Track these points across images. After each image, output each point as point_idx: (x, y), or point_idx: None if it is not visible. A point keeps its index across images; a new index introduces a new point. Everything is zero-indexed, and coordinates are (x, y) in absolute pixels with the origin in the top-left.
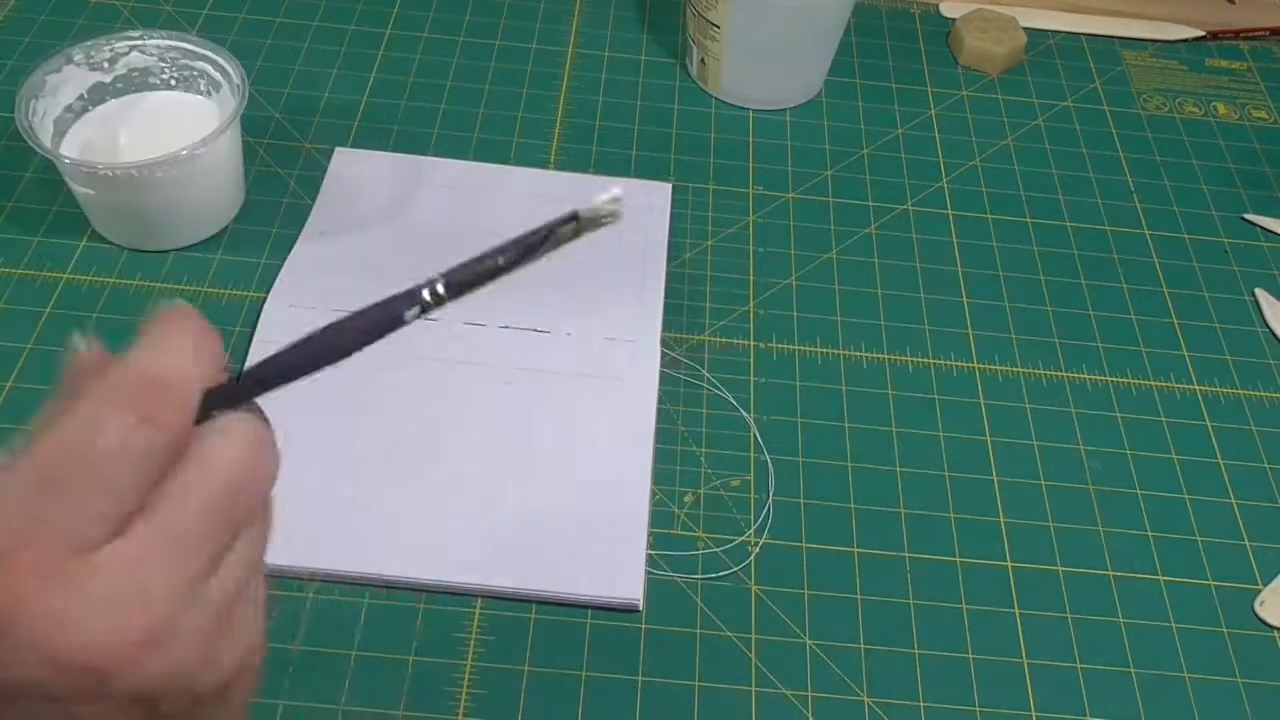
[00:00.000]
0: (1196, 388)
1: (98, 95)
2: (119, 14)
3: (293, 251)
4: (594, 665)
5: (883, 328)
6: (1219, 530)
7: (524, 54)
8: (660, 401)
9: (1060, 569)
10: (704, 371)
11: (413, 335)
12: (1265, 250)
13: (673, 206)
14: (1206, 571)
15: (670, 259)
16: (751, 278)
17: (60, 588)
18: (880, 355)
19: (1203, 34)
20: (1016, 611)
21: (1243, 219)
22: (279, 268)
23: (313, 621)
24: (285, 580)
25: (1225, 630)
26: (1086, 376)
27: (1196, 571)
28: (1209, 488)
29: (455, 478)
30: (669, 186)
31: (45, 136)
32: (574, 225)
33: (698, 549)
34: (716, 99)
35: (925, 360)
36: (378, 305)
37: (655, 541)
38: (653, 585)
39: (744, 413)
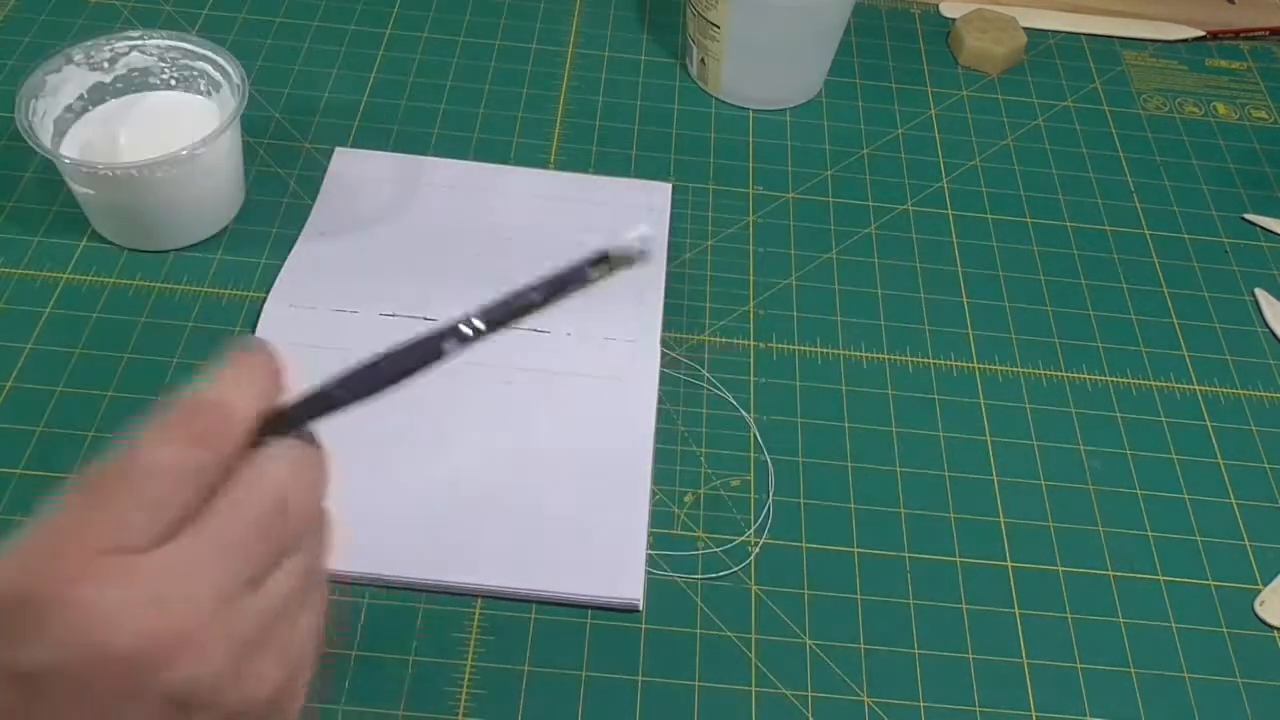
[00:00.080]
0: (1196, 388)
1: (98, 95)
2: (119, 14)
3: (293, 251)
4: (594, 665)
5: (883, 328)
6: (1219, 530)
7: (524, 54)
8: (660, 401)
9: (1060, 569)
10: (704, 371)
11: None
12: (1265, 250)
13: (673, 206)
14: (1206, 571)
15: (670, 259)
16: (751, 278)
17: (102, 583)
18: (880, 355)
19: (1203, 34)
20: (1016, 611)
21: (1243, 219)
22: (279, 268)
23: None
24: None
25: (1225, 630)
26: (1086, 376)
27: (1196, 571)
28: (1209, 488)
29: (455, 478)
30: (669, 186)
31: (45, 136)
32: (605, 265)
33: (698, 549)
34: (716, 99)
35: (925, 360)
36: (419, 340)
37: (655, 541)
38: (653, 585)
39: (744, 413)
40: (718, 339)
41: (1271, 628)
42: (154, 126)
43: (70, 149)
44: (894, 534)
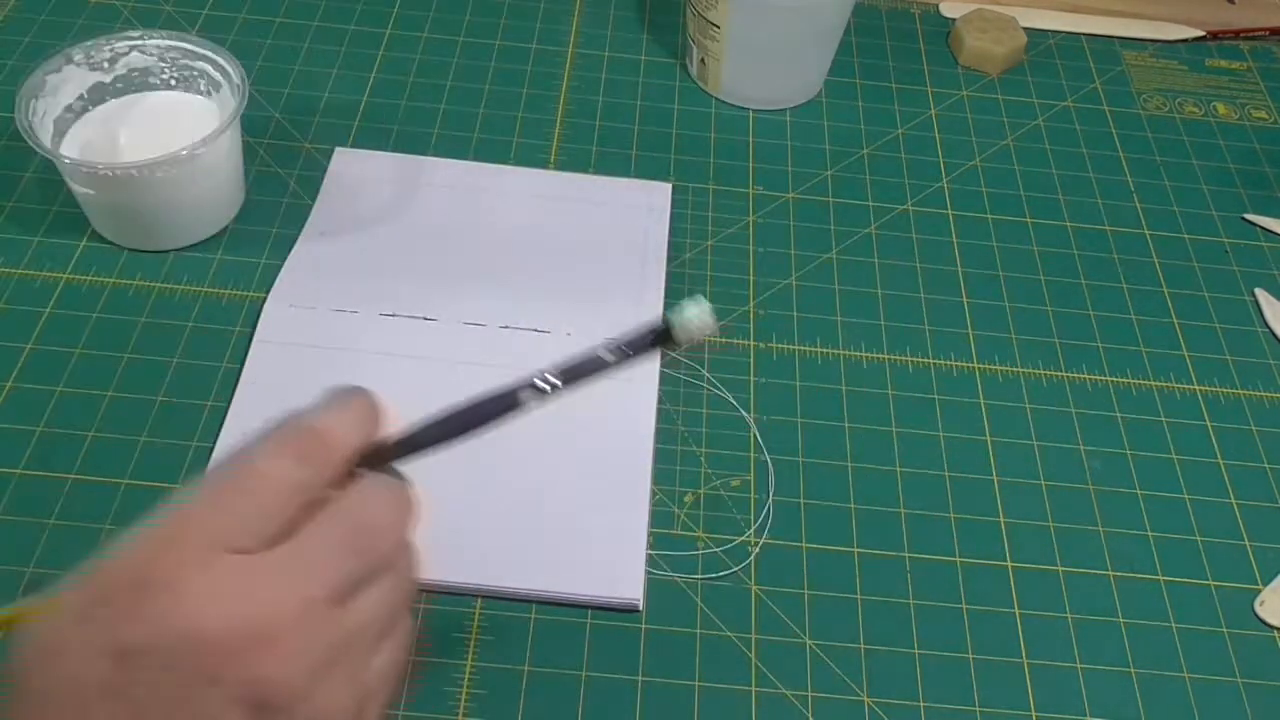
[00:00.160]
0: (1196, 388)
1: (98, 95)
2: (119, 14)
3: (293, 251)
4: (594, 665)
5: (883, 328)
6: (1219, 530)
7: (524, 54)
8: (660, 401)
9: (1060, 569)
10: (704, 371)
11: (412, 335)
12: (1265, 250)
13: (673, 206)
14: (1206, 571)
15: (670, 259)
16: (751, 278)
17: (205, 574)
18: (880, 355)
19: (1203, 34)
20: (1016, 611)
21: (1243, 219)
22: (279, 268)
23: None
24: None
25: (1225, 630)
26: (1086, 376)
27: (1196, 571)
28: (1209, 488)
29: (455, 478)
30: (669, 186)
31: (45, 136)
32: (669, 338)
33: (698, 549)
34: (716, 99)
35: (925, 360)
36: (500, 393)
37: (655, 541)
38: (653, 585)
39: (744, 413)
40: (718, 339)
41: (1271, 628)
42: (154, 126)
43: (70, 149)
44: (894, 534)
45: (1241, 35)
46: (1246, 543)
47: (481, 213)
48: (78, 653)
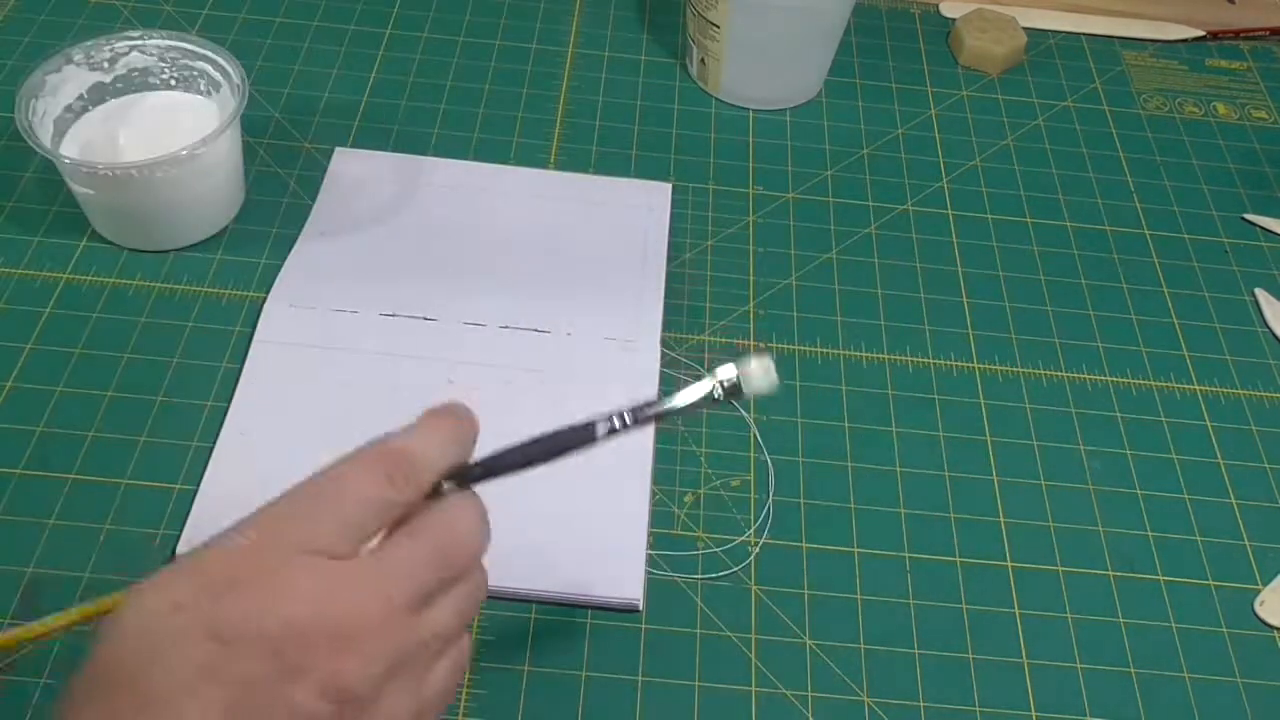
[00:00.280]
0: (1196, 388)
1: (98, 95)
2: (119, 14)
3: (293, 251)
4: (594, 665)
5: (883, 328)
6: (1219, 530)
7: (524, 54)
8: None
9: (1060, 569)
10: (704, 371)
11: (412, 335)
12: (1265, 250)
13: (673, 206)
14: (1206, 571)
15: (670, 259)
16: (751, 278)
17: (294, 573)
18: (880, 355)
19: (1203, 34)
20: (1016, 611)
21: (1243, 219)
22: (279, 268)
23: None
24: None
25: (1225, 630)
26: (1086, 376)
27: (1196, 571)
28: (1209, 488)
29: None
30: (669, 186)
31: (45, 136)
32: (724, 391)
33: (698, 549)
34: (716, 99)
35: (925, 360)
36: (577, 426)
37: (655, 541)
38: (653, 585)
39: (744, 413)
40: (718, 339)
41: (1271, 628)
42: (154, 126)
43: (70, 149)
44: (894, 534)
45: (1241, 35)
46: (1246, 543)
47: (481, 213)
48: (179, 636)
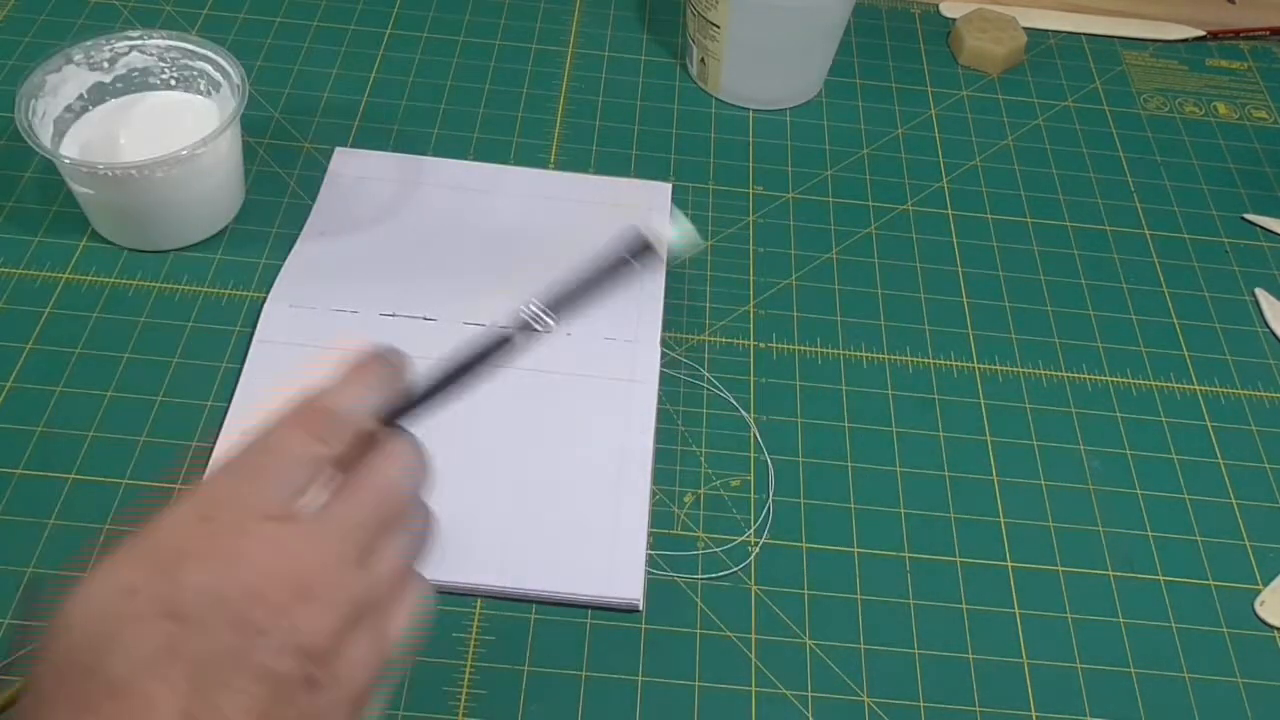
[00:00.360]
0: (1196, 388)
1: (98, 95)
2: (119, 14)
3: (293, 251)
4: (594, 665)
5: (883, 328)
6: (1219, 530)
7: (524, 54)
8: (660, 401)
9: (1060, 569)
10: (704, 371)
11: (412, 335)
12: (1265, 250)
13: (673, 206)
14: (1206, 571)
15: (670, 259)
16: (751, 278)
17: (242, 540)
18: (880, 355)
19: (1203, 34)
20: (1016, 611)
21: (1243, 219)
22: (279, 268)
23: None
24: None
25: (1225, 630)
26: (1086, 376)
27: (1196, 571)
28: (1209, 488)
29: (455, 477)
30: (669, 186)
31: (45, 136)
32: (642, 248)
33: (698, 549)
34: (716, 99)
35: (925, 360)
36: (492, 332)
37: (655, 541)
38: (653, 585)
39: (744, 413)
40: (718, 339)
41: (1271, 628)
42: (154, 126)
43: (70, 149)
44: (894, 534)
45: (1241, 35)
46: (1246, 543)
47: (481, 213)
48: (133, 619)
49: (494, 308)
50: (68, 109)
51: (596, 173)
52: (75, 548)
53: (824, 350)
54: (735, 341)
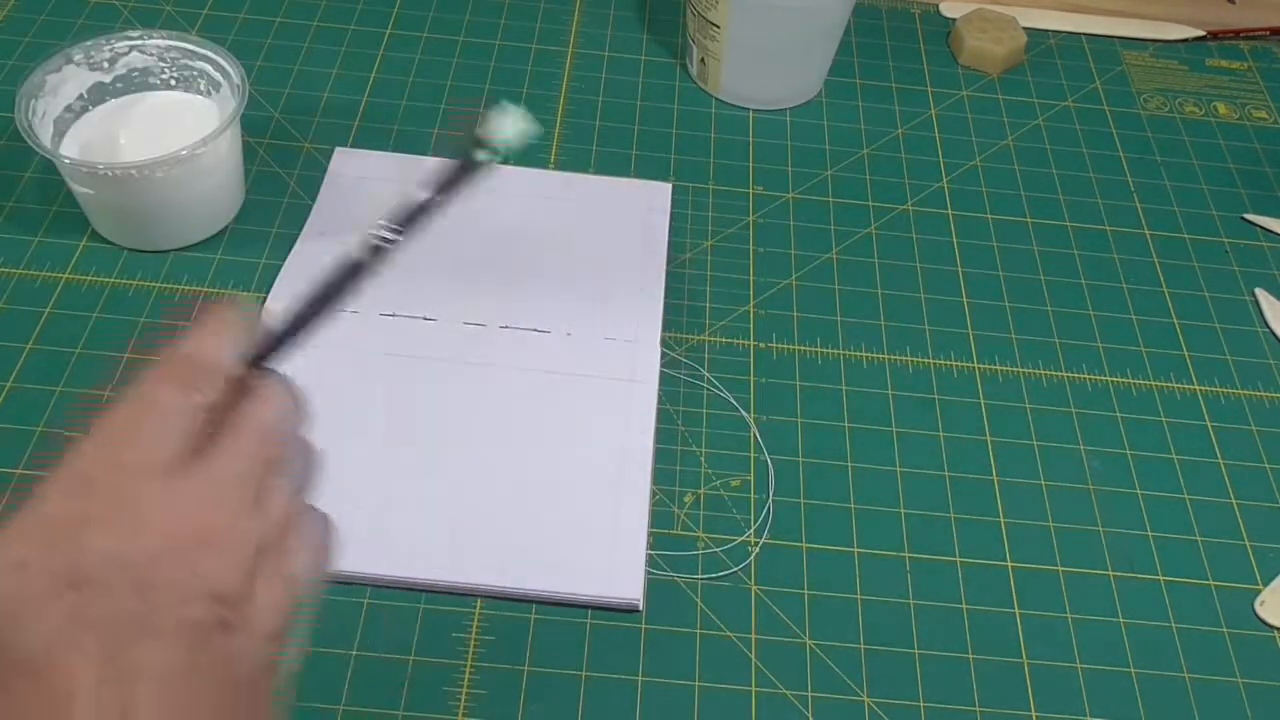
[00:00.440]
0: (1196, 388)
1: (98, 95)
2: (119, 14)
3: (293, 251)
4: (594, 665)
5: (883, 328)
6: (1219, 530)
7: (524, 54)
8: (660, 401)
9: (1060, 569)
10: (704, 371)
11: (412, 335)
12: (1265, 250)
13: (673, 206)
14: (1206, 571)
15: (670, 259)
16: (751, 278)
17: (135, 498)
18: (880, 355)
19: (1203, 34)
20: (1016, 611)
21: (1243, 219)
22: (279, 268)
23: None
24: None
25: (1225, 630)
26: (1086, 376)
27: (1196, 571)
28: (1209, 488)
29: (455, 477)
30: (669, 186)
31: (45, 136)
32: (484, 148)
33: (698, 549)
34: (716, 99)
35: (925, 360)
36: (342, 258)
37: (655, 541)
38: (653, 585)
39: (744, 413)
40: (718, 339)
41: (1271, 628)
42: (154, 126)
43: (70, 149)
44: (894, 534)
45: (1241, 35)
46: (1246, 543)
47: (481, 212)
48: (33, 594)
49: (494, 307)
50: (68, 109)
51: (596, 173)
52: None
53: (824, 350)
54: (735, 341)
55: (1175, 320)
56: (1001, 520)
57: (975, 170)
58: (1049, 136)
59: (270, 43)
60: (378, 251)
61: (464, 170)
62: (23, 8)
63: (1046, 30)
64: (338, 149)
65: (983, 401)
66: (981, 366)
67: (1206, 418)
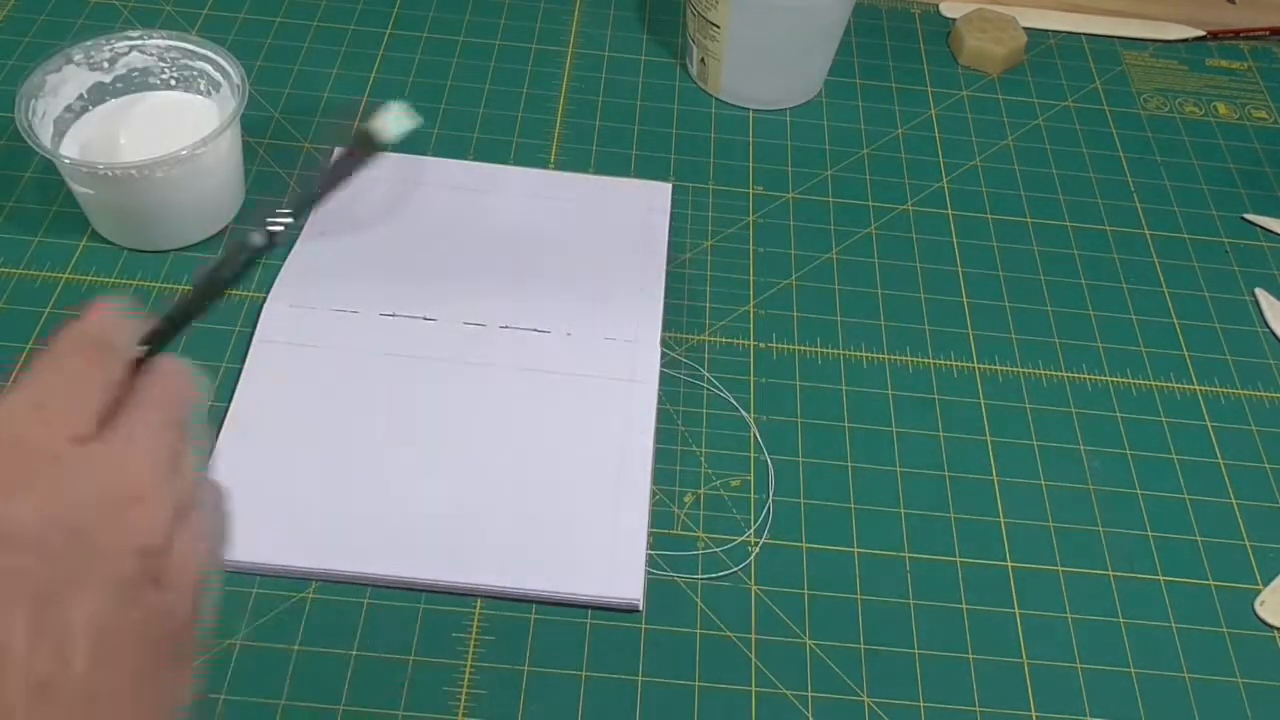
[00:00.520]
0: (1196, 388)
1: (98, 95)
2: (119, 14)
3: (293, 251)
4: (594, 665)
5: (883, 328)
6: (1219, 530)
7: (524, 54)
8: (660, 401)
9: (1060, 569)
10: (704, 371)
11: (412, 335)
12: (1265, 250)
13: (673, 206)
14: (1206, 571)
15: (670, 259)
16: (751, 278)
17: (60, 461)
18: (880, 355)
19: (1203, 34)
20: (1016, 611)
21: (1243, 219)
22: (279, 268)
23: (313, 621)
24: (286, 580)
25: (1225, 630)
26: (1086, 376)
27: (1196, 571)
28: (1209, 488)
29: (455, 478)
30: (669, 186)
31: (45, 136)
32: (369, 143)
33: (698, 549)
34: (716, 99)
35: (925, 360)
36: (237, 247)
37: (655, 541)
38: (653, 585)
39: (744, 413)
40: (718, 339)
41: (1271, 628)
42: (154, 126)
43: (70, 149)
44: (894, 534)
45: (1241, 35)
46: (1246, 543)
47: (481, 213)
48: None
49: (494, 307)
50: (68, 109)
51: (596, 173)
52: None
53: (824, 350)
54: (735, 341)
55: (1175, 320)
56: (1001, 520)
57: (975, 170)
58: (1049, 136)
59: (270, 43)
60: (273, 237)
61: (355, 161)
62: (23, 8)
63: (1046, 30)
64: (338, 149)
65: (983, 401)
66: (981, 366)
67: (1206, 418)
